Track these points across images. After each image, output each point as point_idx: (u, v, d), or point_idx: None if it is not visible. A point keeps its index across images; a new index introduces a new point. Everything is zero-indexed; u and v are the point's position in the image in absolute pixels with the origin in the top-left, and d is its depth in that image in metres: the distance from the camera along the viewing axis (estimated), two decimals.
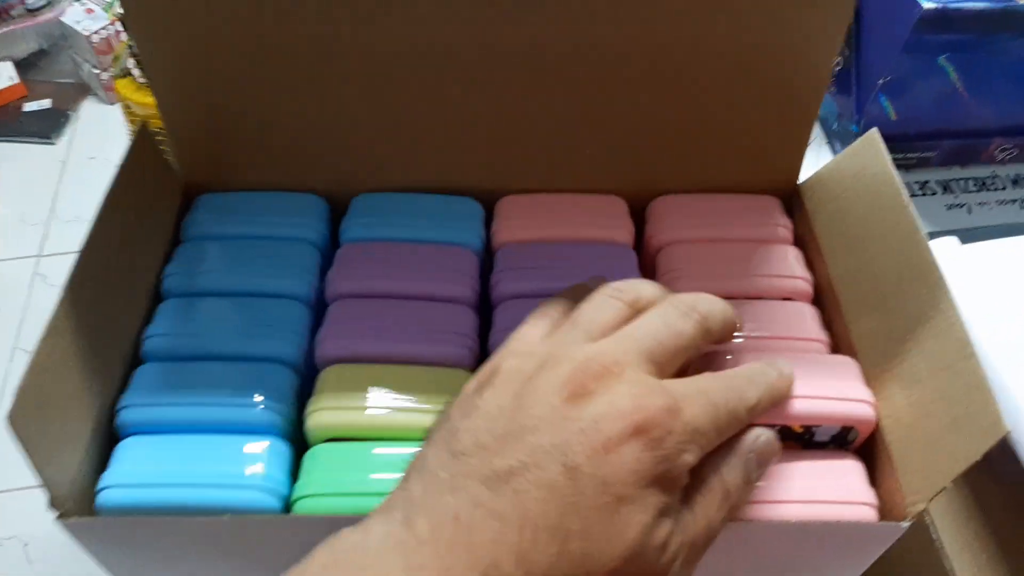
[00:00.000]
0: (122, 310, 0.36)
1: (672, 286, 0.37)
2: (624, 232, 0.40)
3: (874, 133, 0.37)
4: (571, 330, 0.27)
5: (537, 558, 0.22)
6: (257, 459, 0.32)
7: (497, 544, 0.22)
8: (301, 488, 0.32)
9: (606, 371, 0.25)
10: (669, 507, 0.24)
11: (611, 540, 0.23)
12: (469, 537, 0.22)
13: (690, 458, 0.25)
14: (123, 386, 0.34)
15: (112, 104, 0.84)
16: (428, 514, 0.23)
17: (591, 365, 0.25)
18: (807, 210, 0.41)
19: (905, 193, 0.35)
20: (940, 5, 0.51)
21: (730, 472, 0.27)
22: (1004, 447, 0.37)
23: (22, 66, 0.84)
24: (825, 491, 0.32)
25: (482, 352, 0.36)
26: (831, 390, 0.32)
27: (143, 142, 0.38)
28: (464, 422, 0.25)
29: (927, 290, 0.33)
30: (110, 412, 0.34)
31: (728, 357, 0.32)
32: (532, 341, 0.27)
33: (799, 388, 0.32)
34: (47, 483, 0.29)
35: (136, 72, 0.58)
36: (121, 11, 0.47)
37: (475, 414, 0.25)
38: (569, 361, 0.25)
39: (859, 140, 0.38)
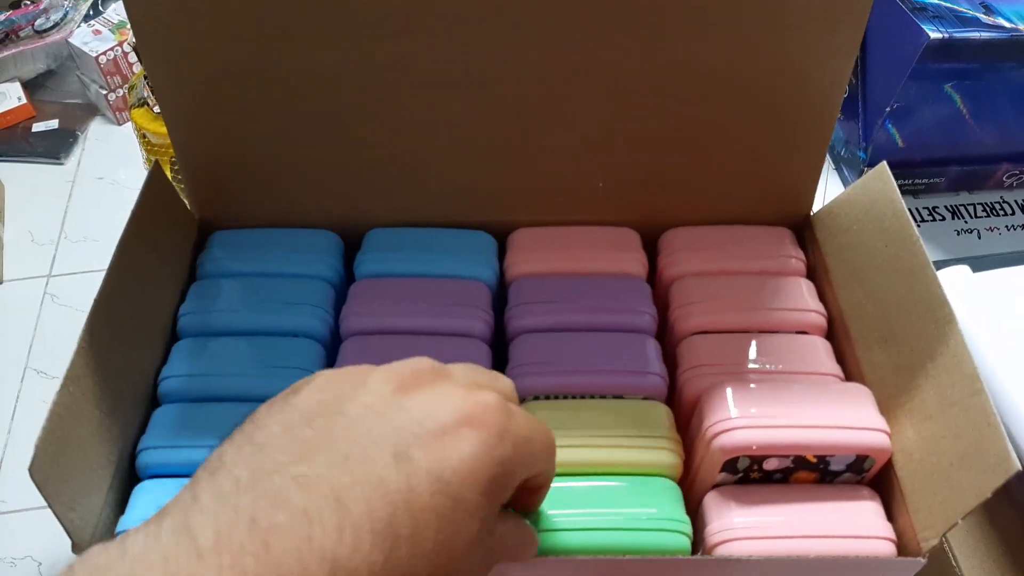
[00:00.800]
0: (139, 351, 0.36)
1: (686, 319, 0.38)
2: (637, 264, 0.40)
3: (883, 167, 0.37)
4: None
5: (357, 566, 0.18)
6: None
7: (305, 551, 0.18)
8: None
9: (438, 371, 0.23)
10: (490, 522, 0.22)
11: (440, 550, 0.20)
12: (267, 544, 0.18)
13: (521, 471, 0.23)
14: (143, 427, 0.35)
15: (120, 125, 0.84)
16: (215, 519, 0.18)
17: (422, 365, 0.23)
18: (818, 241, 0.41)
19: (914, 227, 0.35)
20: (946, 34, 0.51)
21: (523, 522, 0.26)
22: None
23: (30, 86, 0.85)
24: (842, 525, 0.32)
25: None
26: (845, 419, 0.33)
27: (157, 180, 0.38)
28: (272, 416, 0.21)
29: (936, 325, 0.33)
30: (131, 454, 0.34)
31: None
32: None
33: (813, 417, 0.32)
34: (69, 530, 0.29)
35: (152, 101, 0.58)
36: (133, 39, 0.47)
37: (288, 408, 0.21)
38: (394, 365, 0.23)
39: (869, 173, 0.38)
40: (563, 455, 0.32)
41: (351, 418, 0.21)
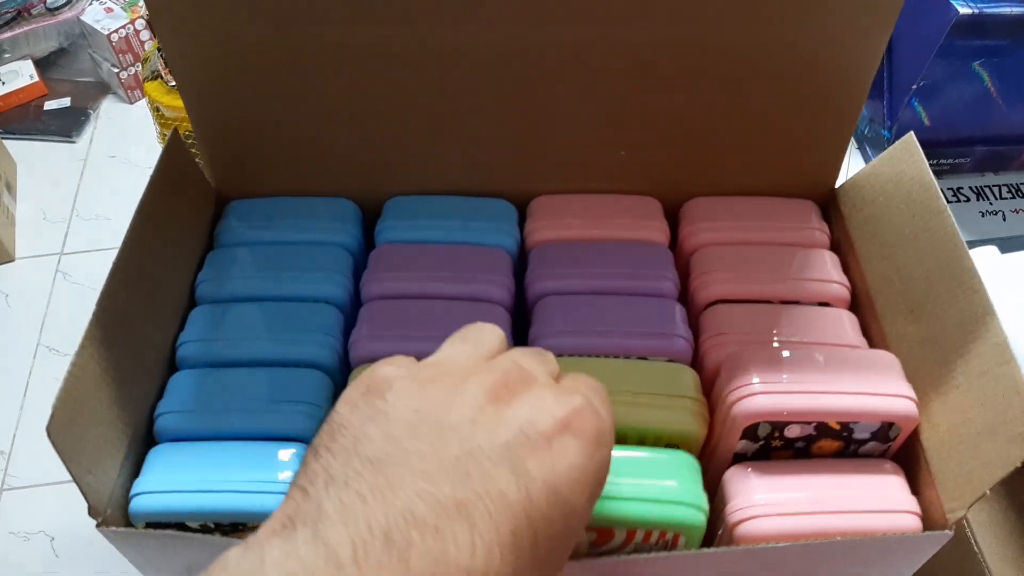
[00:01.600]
0: (157, 317, 0.35)
1: (706, 288, 0.37)
2: (659, 233, 0.39)
3: (911, 137, 0.37)
4: (459, 344, 0.25)
5: None
6: (291, 465, 0.32)
7: (442, 567, 0.18)
8: None
9: (522, 374, 0.23)
10: (586, 521, 0.22)
11: (553, 556, 0.21)
12: (406, 561, 0.18)
13: (607, 471, 0.23)
14: (160, 393, 0.34)
15: (132, 103, 0.84)
16: (349, 533, 0.18)
17: (508, 370, 0.23)
18: (843, 214, 0.40)
19: (942, 198, 0.34)
20: (975, 10, 0.50)
21: None
22: None
23: (42, 65, 0.85)
24: (867, 500, 0.32)
25: None
26: (871, 385, 0.32)
27: (175, 148, 0.37)
28: (371, 428, 0.21)
29: (964, 295, 0.32)
30: (148, 419, 0.34)
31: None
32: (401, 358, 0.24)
33: (837, 383, 0.32)
34: (85, 492, 0.29)
35: (165, 75, 0.58)
36: (146, 13, 0.47)
37: (381, 417, 0.21)
38: (481, 374, 0.23)
39: (896, 144, 0.37)
40: None
41: (457, 429, 0.21)
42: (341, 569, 0.18)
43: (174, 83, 0.56)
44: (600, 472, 0.22)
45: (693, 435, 0.33)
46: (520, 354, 0.24)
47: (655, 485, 0.30)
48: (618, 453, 0.31)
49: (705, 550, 0.30)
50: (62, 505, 0.58)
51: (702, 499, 0.31)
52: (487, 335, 0.25)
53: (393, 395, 0.22)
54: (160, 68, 0.59)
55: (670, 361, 0.35)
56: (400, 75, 0.37)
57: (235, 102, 0.38)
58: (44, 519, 0.59)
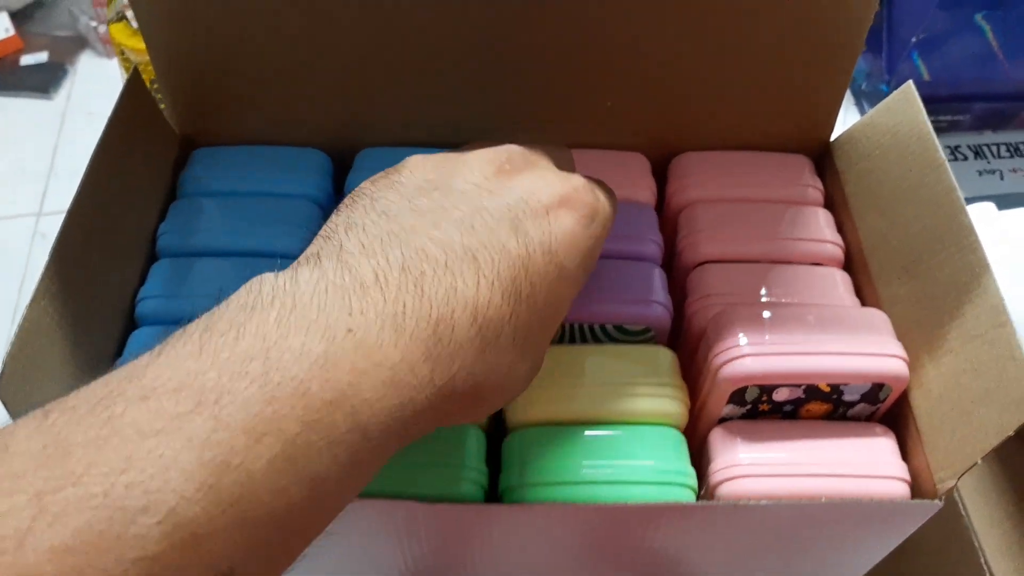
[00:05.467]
0: (115, 270, 0.34)
1: (694, 248, 0.36)
2: (646, 191, 0.38)
3: (909, 86, 0.35)
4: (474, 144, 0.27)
5: (492, 316, 0.21)
6: None
7: (451, 296, 0.21)
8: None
9: (527, 157, 0.25)
10: (580, 287, 0.25)
11: (548, 310, 0.23)
12: (420, 286, 0.21)
13: (601, 246, 0.26)
14: (119, 349, 0.33)
15: (111, 58, 0.81)
16: (369, 262, 0.21)
17: (513, 151, 0.25)
18: (838, 169, 0.39)
19: (940, 151, 0.33)
20: None
21: None
22: None
23: (18, 18, 0.82)
24: (854, 464, 0.31)
25: None
26: (860, 345, 0.31)
27: (136, 91, 0.36)
28: (389, 192, 0.24)
29: (960, 254, 0.31)
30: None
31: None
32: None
33: (825, 343, 0.31)
34: None
35: (131, 16, 0.55)
36: None
37: (398, 187, 0.24)
38: (488, 150, 0.25)
39: (894, 94, 0.36)
40: (563, 404, 0.31)
41: (464, 192, 0.23)
42: (365, 289, 0.20)
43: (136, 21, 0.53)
44: (593, 245, 0.25)
45: (672, 422, 0.32)
46: (530, 145, 0.27)
47: (638, 466, 0.30)
48: (599, 432, 0.31)
49: (682, 503, 0.29)
50: None
51: (690, 475, 0.30)
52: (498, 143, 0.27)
53: (408, 170, 0.25)
54: (125, 8, 0.56)
55: (647, 329, 0.33)
56: (374, 18, 0.35)
57: (199, 41, 0.36)
58: None
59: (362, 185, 0.25)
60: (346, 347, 0.19)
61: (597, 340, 0.34)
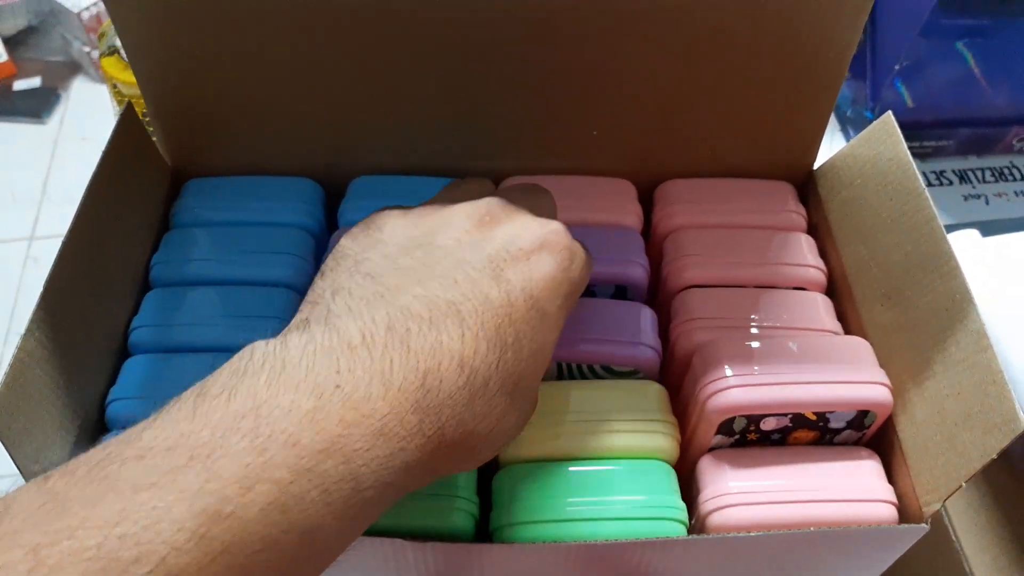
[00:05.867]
0: (108, 301, 0.34)
1: (680, 273, 0.36)
2: (632, 216, 0.38)
3: (889, 117, 0.36)
4: (451, 189, 0.29)
5: (479, 365, 0.22)
6: None
7: (437, 350, 0.22)
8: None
9: (506, 207, 0.26)
10: (560, 329, 0.26)
11: (533, 355, 0.24)
12: (406, 344, 0.21)
13: (582, 288, 0.27)
14: (112, 379, 0.33)
15: (104, 83, 0.82)
16: (356, 323, 0.22)
17: (492, 203, 0.26)
18: (820, 197, 0.39)
19: (920, 180, 0.33)
20: None
21: None
22: None
23: (11, 43, 0.82)
24: (842, 489, 0.31)
25: None
26: (844, 373, 0.31)
27: (129, 124, 0.36)
28: (371, 252, 0.25)
29: (941, 280, 0.31)
30: (100, 406, 0.32)
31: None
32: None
33: (810, 373, 0.31)
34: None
35: (123, 50, 0.56)
36: None
37: (380, 246, 0.25)
38: (468, 204, 0.26)
39: (874, 125, 0.36)
40: (554, 441, 0.31)
41: (446, 248, 0.24)
42: (353, 349, 0.21)
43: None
44: (572, 286, 0.25)
45: (663, 457, 0.32)
46: (508, 191, 0.28)
47: (629, 501, 0.30)
48: (588, 468, 0.31)
49: (672, 537, 0.29)
50: None
51: (680, 510, 0.30)
52: (475, 183, 0.29)
53: (389, 228, 0.26)
54: (117, 43, 0.57)
55: (636, 370, 0.34)
56: (363, 48, 0.35)
57: (191, 74, 0.36)
58: None
59: (342, 243, 0.26)
60: (335, 402, 0.20)
61: (585, 379, 0.34)
